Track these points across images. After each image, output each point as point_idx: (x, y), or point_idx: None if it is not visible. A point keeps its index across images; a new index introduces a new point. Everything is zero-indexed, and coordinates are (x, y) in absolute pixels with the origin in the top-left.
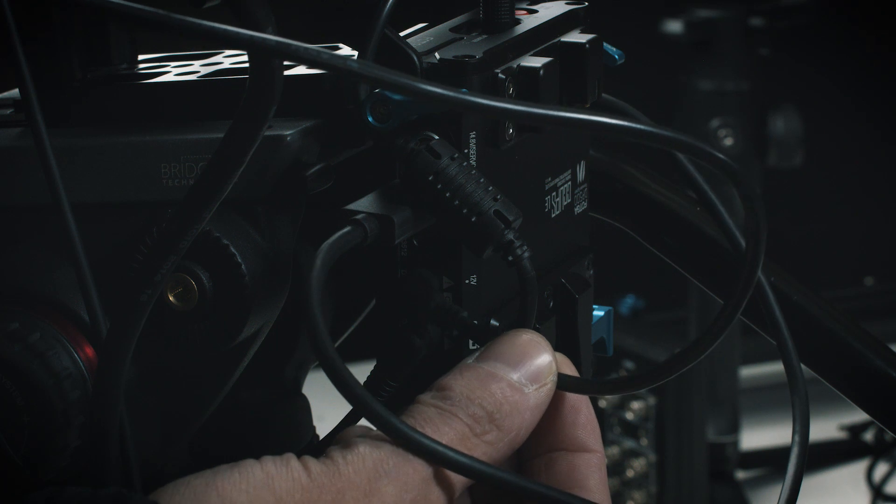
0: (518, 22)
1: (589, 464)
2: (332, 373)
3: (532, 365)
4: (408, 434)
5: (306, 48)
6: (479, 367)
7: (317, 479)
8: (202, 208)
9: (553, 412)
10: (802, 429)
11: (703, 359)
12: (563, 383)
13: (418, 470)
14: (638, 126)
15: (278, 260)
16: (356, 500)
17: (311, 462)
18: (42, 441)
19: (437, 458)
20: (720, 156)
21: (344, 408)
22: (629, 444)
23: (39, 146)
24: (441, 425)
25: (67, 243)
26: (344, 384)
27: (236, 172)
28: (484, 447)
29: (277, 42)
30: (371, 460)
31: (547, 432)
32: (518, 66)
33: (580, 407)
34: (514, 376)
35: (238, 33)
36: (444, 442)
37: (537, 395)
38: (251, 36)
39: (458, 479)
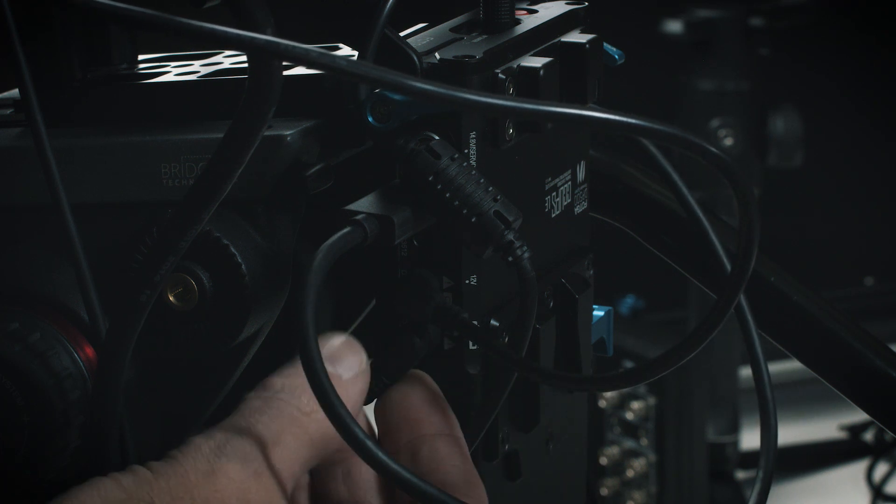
0: (518, 22)
1: (449, 445)
2: (315, 384)
3: (345, 357)
4: (381, 458)
5: (298, 47)
6: (294, 363)
7: (159, 471)
8: (201, 209)
9: (406, 403)
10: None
11: (696, 354)
12: (562, 381)
13: (255, 448)
14: (631, 121)
15: (278, 260)
16: (199, 478)
17: (153, 463)
18: (42, 441)
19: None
20: (712, 149)
21: None
22: (629, 444)
23: (39, 146)
24: (268, 410)
25: (67, 243)
26: (326, 400)
27: (235, 173)
28: (317, 424)
29: (267, 41)
30: (206, 446)
31: (404, 422)
32: (518, 66)
33: (431, 395)
34: (328, 366)
35: (228, 33)
36: (277, 425)
37: (353, 381)
38: (239, 35)
39: (296, 459)
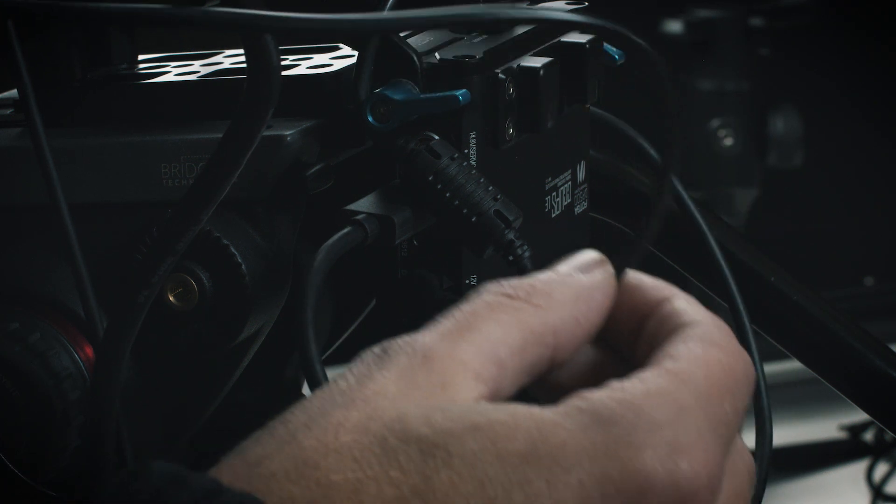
0: None
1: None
2: (314, 386)
3: (575, 259)
4: None
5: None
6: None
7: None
8: (200, 209)
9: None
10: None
11: None
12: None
13: (432, 336)
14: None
15: (278, 260)
16: (356, 380)
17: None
18: (42, 441)
19: None
20: (634, 37)
21: None
22: None
23: (37, 146)
24: (474, 299)
25: (64, 243)
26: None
27: (234, 173)
28: (531, 309)
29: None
30: (370, 352)
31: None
32: (518, 66)
33: (663, 296)
34: (559, 268)
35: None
36: (482, 308)
37: (584, 277)
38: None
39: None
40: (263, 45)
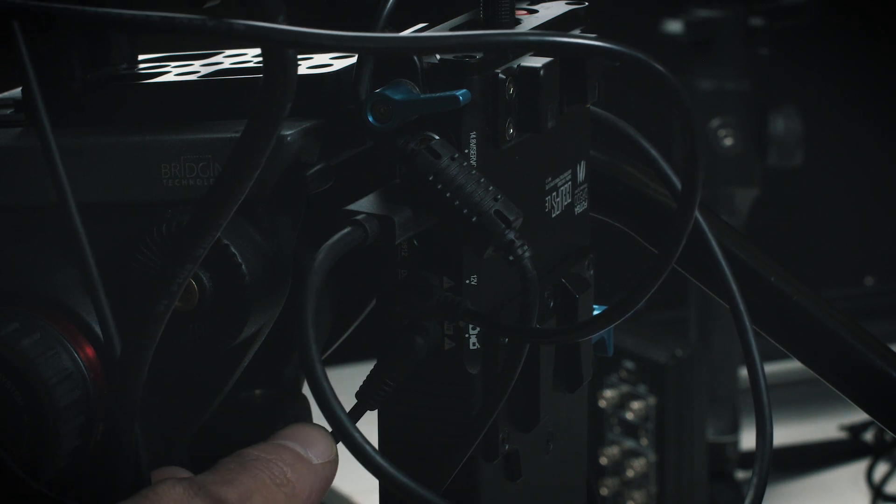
0: (518, 22)
1: None
2: (315, 386)
3: (317, 444)
4: (379, 463)
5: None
6: (269, 441)
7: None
8: (219, 214)
9: None
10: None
11: (696, 354)
12: (504, 329)
13: (227, 497)
14: (573, 41)
15: (278, 260)
16: None
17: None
18: (42, 441)
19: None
20: (641, 55)
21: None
22: (629, 444)
23: (45, 146)
24: (244, 471)
25: (73, 243)
26: (325, 403)
27: (254, 174)
28: (285, 496)
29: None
30: (180, 488)
31: None
32: (518, 66)
33: None
34: (300, 449)
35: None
36: (251, 484)
37: (323, 467)
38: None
39: None
40: None
